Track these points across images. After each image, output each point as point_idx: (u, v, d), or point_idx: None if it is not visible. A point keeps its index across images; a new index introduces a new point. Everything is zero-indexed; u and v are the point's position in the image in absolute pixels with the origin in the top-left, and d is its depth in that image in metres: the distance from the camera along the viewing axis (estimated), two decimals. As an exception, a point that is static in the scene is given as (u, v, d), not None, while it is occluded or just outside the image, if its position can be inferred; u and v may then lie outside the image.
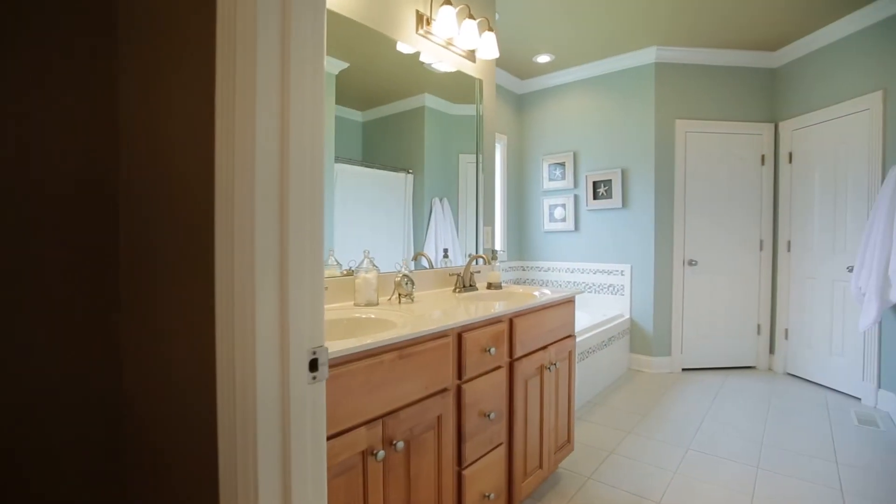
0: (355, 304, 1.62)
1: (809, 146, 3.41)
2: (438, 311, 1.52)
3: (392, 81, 1.96)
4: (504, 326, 1.58)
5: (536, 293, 1.99)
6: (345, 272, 1.75)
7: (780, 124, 3.64)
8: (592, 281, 3.96)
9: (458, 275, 2.05)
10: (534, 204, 4.30)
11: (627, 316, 3.75)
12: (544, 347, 1.81)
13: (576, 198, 4.03)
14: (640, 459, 2.23)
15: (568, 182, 4.06)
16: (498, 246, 4.11)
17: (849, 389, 3.13)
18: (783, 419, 2.72)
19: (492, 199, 2.54)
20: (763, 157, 3.70)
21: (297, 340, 0.67)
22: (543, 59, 3.73)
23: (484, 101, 2.45)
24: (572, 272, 4.07)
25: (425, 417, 1.23)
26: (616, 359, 3.50)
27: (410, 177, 2.06)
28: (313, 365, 0.69)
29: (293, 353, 0.66)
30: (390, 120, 1.95)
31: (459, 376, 1.37)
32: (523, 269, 4.37)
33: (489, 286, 2.16)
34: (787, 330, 3.63)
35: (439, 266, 2.18)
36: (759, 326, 3.77)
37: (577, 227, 4.04)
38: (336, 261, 1.74)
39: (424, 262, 2.13)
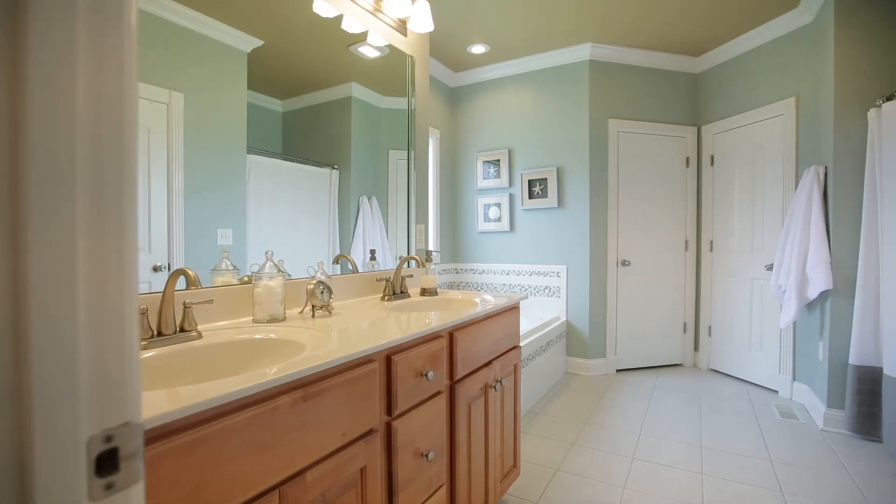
0: (254, 321, 1.27)
1: (729, 149, 3.53)
2: (363, 325, 1.22)
3: (315, 66, 1.70)
4: (443, 343, 1.31)
5: (477, 300, 1.75)
6: (244, 279, 1.39)
7: (703, 128, 3.75)
8: (528, 283, 3.83)
9: (388, 280, 1.75)
10: (468, 203, 4.10)
11: (564, 318, 3.66)
12: (488, 363, 1.57)
13: (511, 197, 3.89)
14: (588, 475, 2.07)
15: (503, 181, 3.90)
16: (432, 247, 3.85)
17: (767, 383, 3.26)
18: (715, 418, 2.72)
19: (425, 198, 2.27)
20: (688, 159, 3.80)
21: (65, 420, 0.34)
22: (478, 49, 3.54)
23: (416, 91, 2.18)
24: (508, 274, 3.92)
25: (344, 473, 0.92)
26: (554, 363, 3.38)
27: (336, 173, 1.80)
28: (106, 463, 0.36)
29: (50, 446, 0.33)
30: (314, 111, 1.72)
31: (389, 411, 1.07)
32: (457, 272, 4.15)
33: (423, 292, 1.88)
34: (710, 327, 3.74)
35: (366, 270, 1.86)
36: (685, 325, 3.85)
37: (512, 228, 3.90)
38: (231, 265, 1.37)
39: (350, 266, 1.81)
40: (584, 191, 3.56)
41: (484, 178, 4.00)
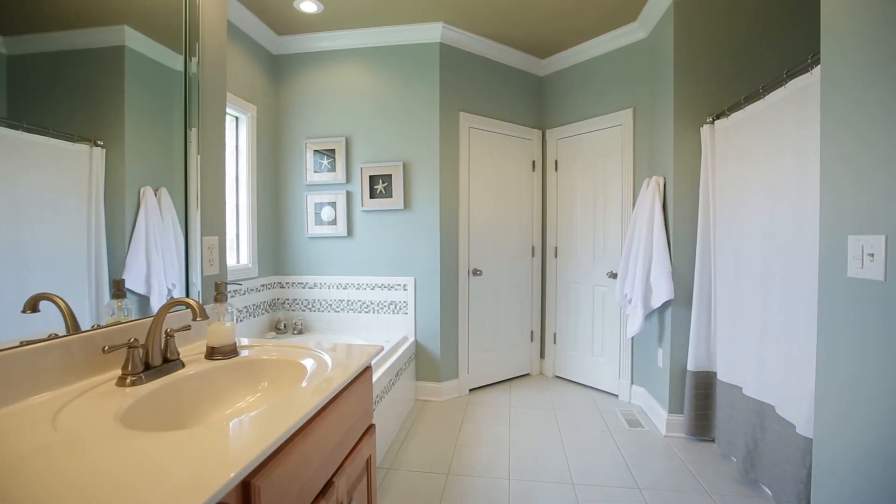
0: None
1: (572, 156, 3.52)
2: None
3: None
4: (231, 506, 0.61)
5: (308, 362, 1.07)
6: None
7: (547, 131, 3.68)
8: (371, 298, 3.23)
9: (132, 345, 0.94)
10: (295, 201, 3.28)
11: (413, 339, 3.17)
12: (330, 482, 0.92)
13: (349, 195, 3.22)
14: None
15: (339, 175, 3.21)
16: (245, 259, 2.93)
17: (608, 387, 3.31)
18: (576, 439, 2.55)
19: (220, 194, 1.47)
20: (534, 162, 3.69)
21: None
22: (309, 7, 2.77)
23: (205, 43, 1.37)
24: (346, 288, 3.24)
25: None
26: (404, 394, 2.85)
27: (100, 152, 1.09)
28: None
29: None
30: (65, 60, 1.04)
31: None
32: (282, 287, 3.30)
33: (211, 354, 1.11)
34: (555, 334, 3.70)
35: (129, 312, 1.01)
36: (532, 333, 3.76)
37: (350, 232, 3.23)
38: None
39: (63, 316, 0.94)
40: (434, 191, 3.11)
41: (315, 171, 3.24)
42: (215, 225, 1.40)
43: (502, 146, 3.50)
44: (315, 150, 3.23)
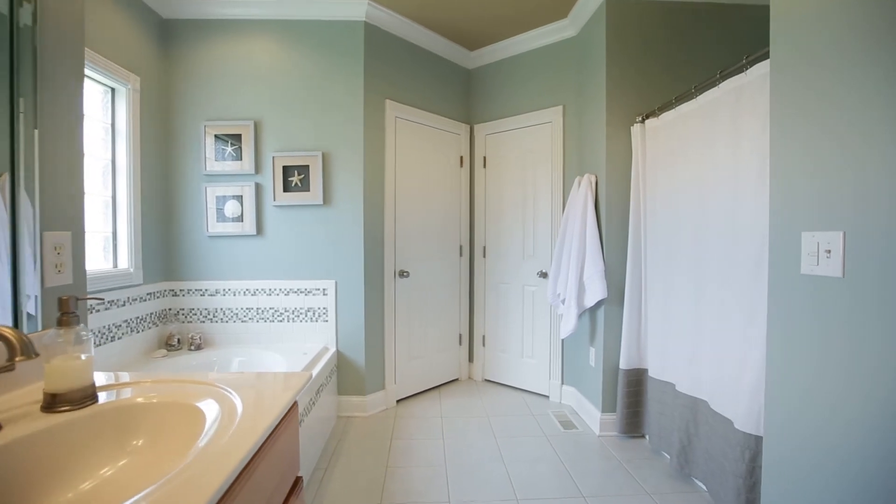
0: None
1: (501, 152, 3.42)
2: None
3: None
4: None
5: (206, 402, 0.78)
6: None
7: (475, 126, 3.56)
8: (285, 305, 2.85)
9: None
10: (191, 193, 2.79)
11: (334, 349, 2.85)
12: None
13: (258, 188, 2.81)
14: None
15: (246, 164, 2.78)
16: (125, 262, 2.40)
17: (538, 389, 3.27)
18: (514, 448, 2.43)
19: (72, 179, 1.08)
20: (462, 158, 3.55)
21: None
22: (202, -39, 2.34)
23: None
24: (255, 294, 2.83)
25: None
26: (325, 414, 2.53)
27: None
28: None
29: None
30: None
31: None
32: (175, 295, 2.79)
33: (52, 403, 0.76)
34: (484, 336, 3.59)
35: None
36: (460, 336, 3.61)
37: (260, 230, 2.83)
38: None
39: None
40: (357, 185, 2.82)
41: (217, 160, 2.78)
42: (66, 218, 1.02)
43: (430, 139, 3.30)
44: (217, 136, 2.77)
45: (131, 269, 2.40)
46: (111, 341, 2.23)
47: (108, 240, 2.35)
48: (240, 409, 0.75)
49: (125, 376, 0.93)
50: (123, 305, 2.33)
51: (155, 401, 0.80)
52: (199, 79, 2.76)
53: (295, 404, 0.89)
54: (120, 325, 2.30)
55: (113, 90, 2.35)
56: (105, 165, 2.34)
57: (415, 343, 3.24)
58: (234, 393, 0.82)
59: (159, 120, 2.69)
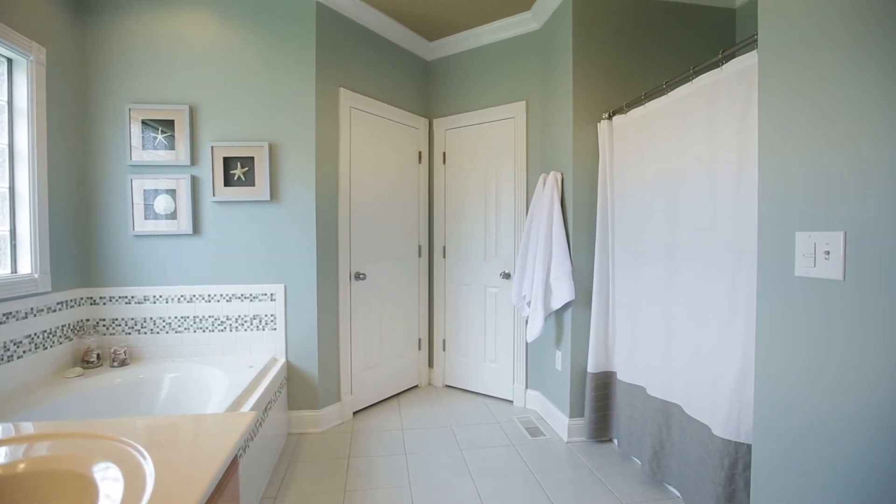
0: None
1: (462, 148, 3.29)
2: None
3: None
4: None
5: (102, 466, 0.57)
6: None
7: (435, 121, 3.40)
8: (227, 312, 2.55)
9: None
10: (112, 186, 2.43)
11: (283, 360, 2.59)
12: None
13: (194, 181, 2.49)
14: None
15: (180, 154, 2.46)
16: (26, 266, 2.02)
17: (502, 394, 3.16)
18: (481, 460, 2.29)
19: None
20: (420, 153, 3.37)
21: None
22: (124, -83, 2.01)
23: None
24: (191, 301, 2.51)
25: None
26: (275, 432, 2.27)
27: None
28: None
29: None
30: None
31: None
32: (93, 304, 2.41)
33: None
34: (444, 341, 3.44)
35: None
36: (420, 341, 3.44)
37: (197, 229, 2.51)
38: None
39: None
40: (309, 179, 2.58)
41: (145, 148, 2.44)
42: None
43: (388, 132, 3.10)
44: (145, 121, 2.43)
45: (35, 275, 2.03)
46: (8, 361, 1.86)
47: (3, 239, 1.97)
48: (150, 481, 0.54)
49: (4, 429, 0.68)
50: (25, 318, 1.96)
51: (27, 469, 0.57)
52: (123, 54, 2.41)
53: (234, 462, 0.68)
54: (20, 342, 1.93)
55: (10, 61, 1.98)
56: (0, 151, 1.96)
57: (372, 350, 3.03)
58: (146, 455, 0.60)
59: (73, 100, 2.31)
